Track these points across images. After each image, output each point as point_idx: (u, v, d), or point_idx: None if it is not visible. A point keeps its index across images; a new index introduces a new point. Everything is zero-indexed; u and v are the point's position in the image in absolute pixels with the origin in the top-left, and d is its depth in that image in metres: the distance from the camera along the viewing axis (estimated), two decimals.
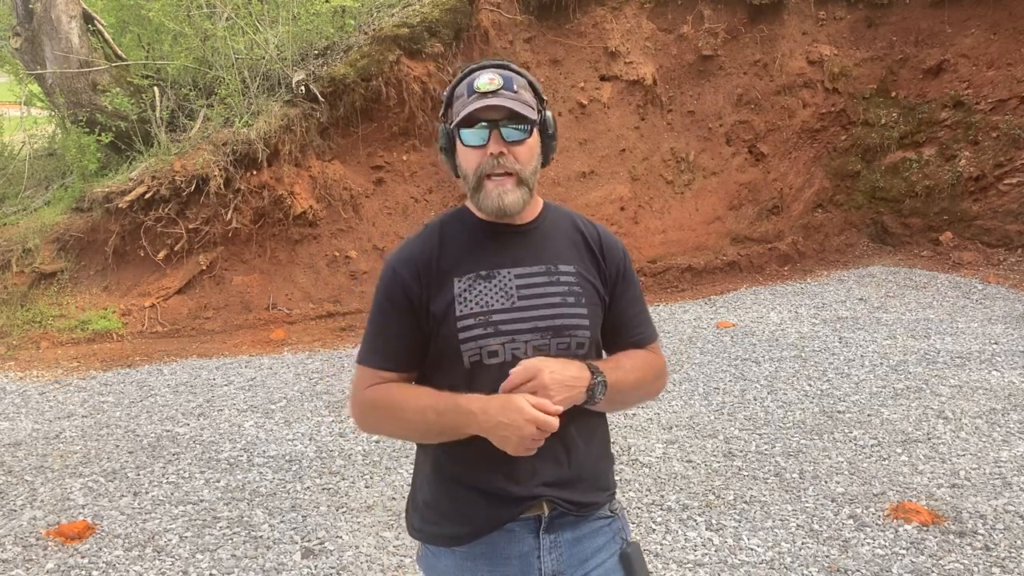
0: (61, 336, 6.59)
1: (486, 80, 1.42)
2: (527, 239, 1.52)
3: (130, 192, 6.85)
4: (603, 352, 1.59)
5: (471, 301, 1.44)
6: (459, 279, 1.46)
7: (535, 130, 1.47)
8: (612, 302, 1.57)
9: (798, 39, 9.00)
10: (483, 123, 1.41)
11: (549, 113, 1.50)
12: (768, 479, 3.75)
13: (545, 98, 1.52)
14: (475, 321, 1.43)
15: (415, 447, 1.62)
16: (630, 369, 1.53)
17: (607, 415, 1.61)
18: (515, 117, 1.42)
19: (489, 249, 1.49)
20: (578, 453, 1.49)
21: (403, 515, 1.66)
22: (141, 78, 7.94)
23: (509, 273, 1.47)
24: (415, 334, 1.48)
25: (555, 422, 1.36)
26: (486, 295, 1.45)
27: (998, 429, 4.17)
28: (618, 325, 1.58)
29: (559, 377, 1.39)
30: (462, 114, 1.41)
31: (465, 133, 1.43)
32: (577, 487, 1.49)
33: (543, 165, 1.53)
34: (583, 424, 1.48)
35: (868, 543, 3.14)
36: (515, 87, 1.44)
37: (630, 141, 8.68)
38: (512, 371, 1.38)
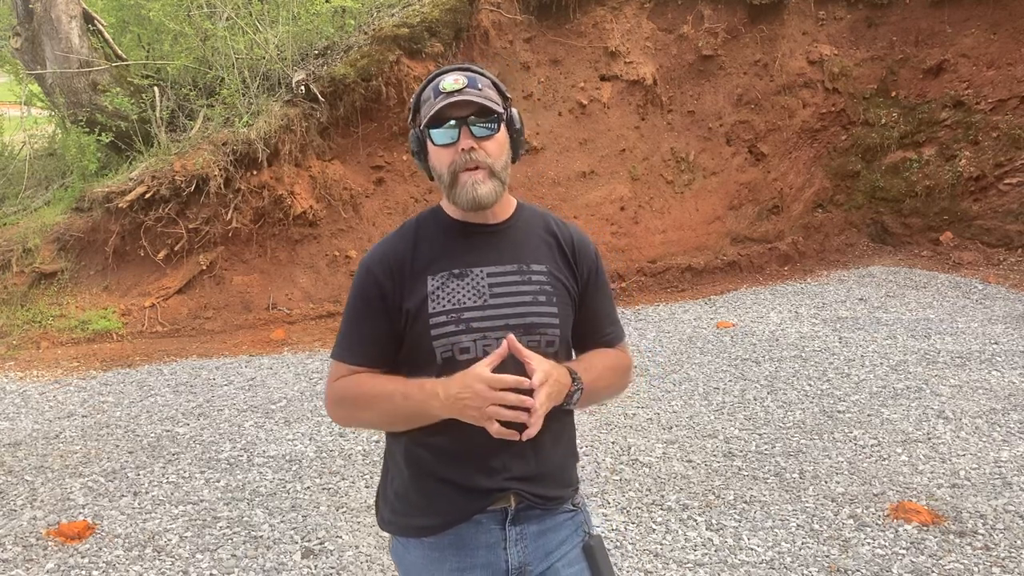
0: (61, 336, 6.59)
1: (451, 80, 1.46)
2: (500, 238, 1.55)
3: (130, 192, 6.85)
4: (572, 350, 1.63)
5: (444, 299, 1.48)
6: (432, 277, 1.50)
7: (503, 126, 1.50)
8: (584, 302, 1.60)
9: (798, 39, 9.00)
10: (452, 121, 1.44)
11: (515, 110, 1.54)
12: (768, 479, 3.75)
13: (509, 96, 1.56)
14: (447, 318, 1.47)
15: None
16: (602, 370, 1.58)
17: (575, 414, 1.65)
18: (482, 112, 1.45)
19: (462, 248, 1.53)
20: (545, 450, 1.53)
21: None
22: (141, 78, 7.94)
23: (482, 272, 1.51)
24: (386, 332, 1.51)
25: (530, 400, 1.36)
26: (459, 293, 1.48)
27: (998, 429, 4.17)
28: (590, 325, 1.63)
29: (558, 383, 1.43)
30: (430, 114, 1.44)
31: (435, 133, 1.46)
32: (543, 482, 1.54)
33: (513, 161, 1.56)
34: (552, 423, 1.52)
35: (868, 543, 3.14)
36: (480, 85, 1.47)
37: (630, 141, 8.68)
38: (535, 379, 1.37)
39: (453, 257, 1.51)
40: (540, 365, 1.39)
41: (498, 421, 1.36)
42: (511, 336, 1.40)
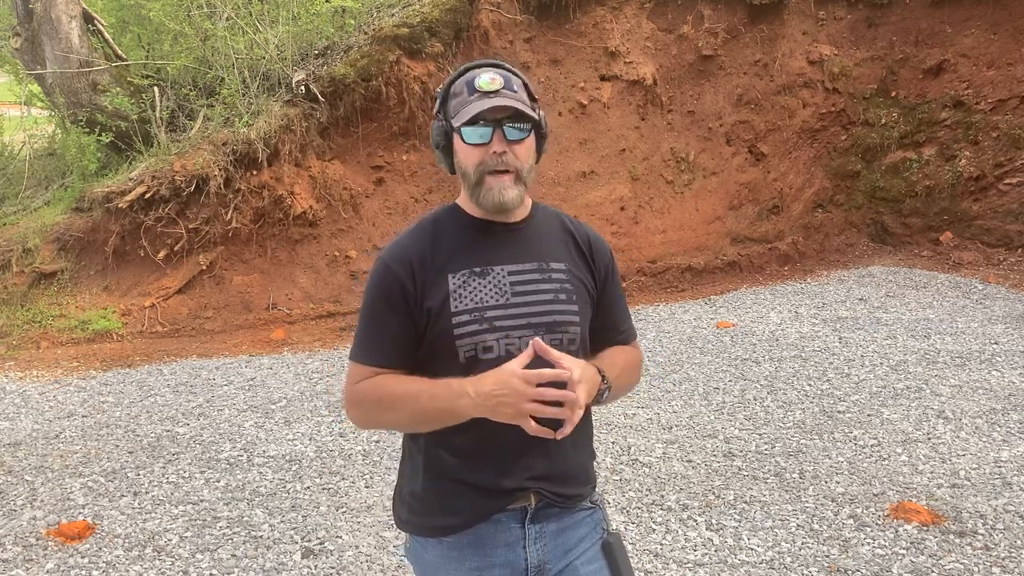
0: (61, 336, 6.59)
1: (488, 79, 1.44)
2: (519, 237, 1.54)
3: (130, 192, 6.85)
4: (587, 348, 1.62)
5: (466, 297, 1.47)
6: (453, 275, 1.48)
7: (533, 129, 1.49)
8: (601, 300, 1.61)
9: (798, 39, 9.00)
10: (485, 121, 1.43)
11: (543, 113, 1.53)
12: (768, 479, 3.75)
13: (537, 97, 1.54)
14: (470, 317, 1.45)
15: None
16: (623, 367, 1.58)
17: (592, 411, 1.65)
18: (517, 116, 1.44)
19: (483, 246, 1.51)
20: (567, 449, 1.53)
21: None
22: (141, 78, 7.94)
23: (503, 270, 1.50)
24: (408, 331, 1.49)
25: (571, 394, 1.34)
26: (481, 291, 1.47)
27: (998, 429, 4.17)
28: (606, 323, 1.63)
29: (591, 381, 1.42)
30: (468, 114, 1.42)
31: (467, 131, 1.44)
32: (563, 480, 1.53)
33: (536, 162, 1.55)
34: None
35: (868, 543, 3.14)
36: (515, 87, 1.46)
37: (630, 141, 8.68)
38: (559, 369, 1.35)
39: (473, 255, 1.50)
40: (573, 363, 1.37)
41: (534, 419, 1.34)
42: (538, 339, 1.38)
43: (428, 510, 1.53)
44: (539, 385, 1.33)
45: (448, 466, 1.50)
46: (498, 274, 1.49)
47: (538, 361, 1.37)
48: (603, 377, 1.47)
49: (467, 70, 1.49)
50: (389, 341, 1.50)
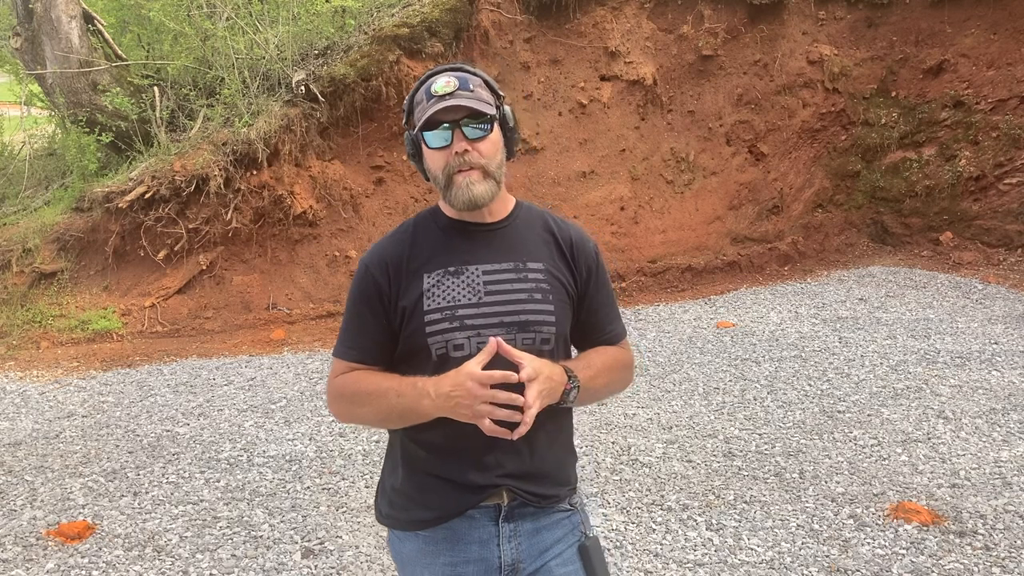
0: (61, 336, 6.59)
1: (442, 83, 1.47)
2: (497, 236, 1.56)
3: (130, 192, 6.85)
4: (571, 347, 1.64)
5: (439, 296, 1.50)
6: (428, 275, 1.51)
7: (495, 125, 1.51)
8: (584, 301, 1.61)
9: (798, 39, 8.99)
10: (445, 124, 1.46)
11: (508, 108, 1.55)
12: (768, 479, 3.75)
13: (502, 94, 1.56)
14: (442, 315, 1.48)
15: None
16: (600, 367, 1.58)
17: (573, 412, 1.66)
18: (475, 115, 1.46)
19: (459, 246, 1.54)
20: (541, 448, 1.54)
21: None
22: (141, 78, 7.94)
23: (477, 269, 1.52)
24: (385, 330, 1.54)
25: (520, 398, 1.36)
26: (453, 290, 1.50)
27: (998, 429, 4.17)
28: (590, 323, 1.64)
29: (551, 380, 1.43)
30: (423, 119, 1.46)
31: (429, 136, 1.48)
32: (538, 480, 1.55)
33: (508, 158, 1.57)
34: (549, 421, 1.52)
35: (868, 543, 3.14)
36: (471, 87, 1.48)
37: (630, 141, 8.68)
38: (523, 374, 1.37)
39: (450, 255, 1.53)
40: (531, 363, 1.39)
41: (491, 419, 1.37)
42: (497, 338, 1.40)
43: (406, 504, 1.57)
44: (494, 386, 1.35)
45: (422, 460, 1.54)
46: (472, 273, 1.51)
47: (499, 360, 1.38)
48: (570, 377, 1.48)
49: (428, 77, 1.52)
50: (366, 339, 1.55)
